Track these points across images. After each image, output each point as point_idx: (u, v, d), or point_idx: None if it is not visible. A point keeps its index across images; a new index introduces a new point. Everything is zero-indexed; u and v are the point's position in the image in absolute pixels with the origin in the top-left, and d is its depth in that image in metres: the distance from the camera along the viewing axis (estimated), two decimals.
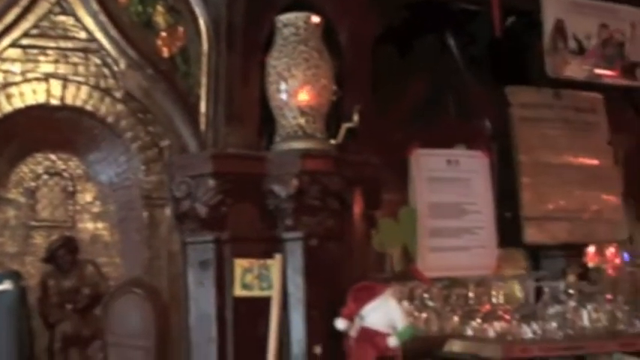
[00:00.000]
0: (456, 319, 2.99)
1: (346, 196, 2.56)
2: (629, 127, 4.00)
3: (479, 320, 2.87)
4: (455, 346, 2.79)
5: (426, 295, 3.06)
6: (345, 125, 2.64)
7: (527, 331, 2.77)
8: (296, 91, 2.53)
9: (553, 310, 2.83)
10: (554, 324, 2.81)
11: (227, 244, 2.48)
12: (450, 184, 3.23)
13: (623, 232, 3.59)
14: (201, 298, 2.49)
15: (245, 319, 2.48)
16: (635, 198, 3.81)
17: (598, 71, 3.62)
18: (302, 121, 2.53)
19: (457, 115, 3.48)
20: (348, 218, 2.63)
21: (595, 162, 3.65)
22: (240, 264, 2.48)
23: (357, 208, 2.69)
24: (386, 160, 2.94)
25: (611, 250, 3.45)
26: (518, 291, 3.03)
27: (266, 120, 2.62)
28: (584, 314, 2.89)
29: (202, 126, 2.59)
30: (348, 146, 2.68)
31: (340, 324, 2.43)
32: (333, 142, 2.63)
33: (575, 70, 3.53)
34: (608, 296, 2.98)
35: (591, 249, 3.34)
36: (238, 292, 2.48)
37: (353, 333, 2.44)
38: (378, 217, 2.92)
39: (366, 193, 2.72)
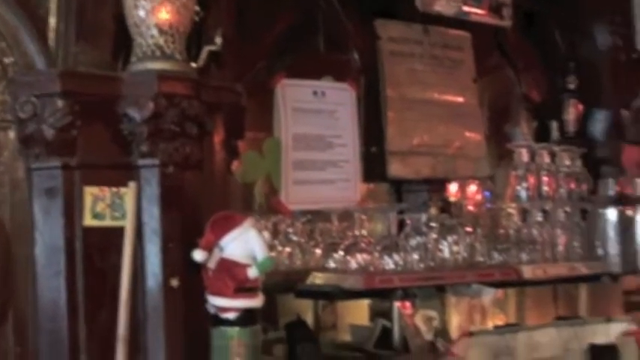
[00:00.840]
0: (319, 252, 2.97)
1: (206, 122, 2.44)
2: (496, 69, 4.06)
3: (341, 253, 2.84)
4: (317, 279, 2.76)
5: (289, 230, 3.01)
6: (207, 48, 2.51)
7: (389, 263, 2.78)
8: (155, 8, 2.36)
9: (415, 241, 2.84)
10: (415, 255, 2.83)
11: (76, 171, 2.31)
12: (316, 115, 3.18)
13: (485, 169, 3.65)
14: (48, 229, 2.32)
15: (96, 251, 2.33)
16: (497, 139, 3.89)
17: (466, 8, 3.64)
18: (161, 40, 2.37)
19: (325, 47, 3.40)
20: (208, 146, 2.51)
21: (460, 99, 3.68)
22: (90, 192, 2.33)
23: (218, 137, 2.57)
24: (250, 89, 2.84)
25: (472, 187, 3.49)
26: (381, 223, 3.02)
27: (122, 38, 2.44)
28: (445, 246, 2.92)
29: (51, 42, 2.38)
30: (209, 71, 2.55)
31: (198, 255, 2.33)
32: (193, 65, 2.49)
33: (444, 5, 3.53)
34: (468, 229, 3.01)
35: (453, 185, 3.36)
36: (88, 221, 2.33)
37: (211, 264, 2.34)
38: (241, 147, 2.83)
39: (228, 121, 2.61)
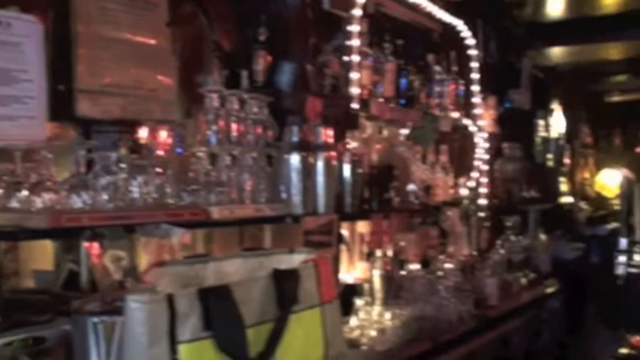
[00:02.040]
0: (0, 192, 2.80)
1: None
2: (189, 16, 4.06)
3: (25, 192, 2.71)
4: None
5: None
6: None
7: (78, 202, 2.70)
8: None
9: (104, 181, 2.79)
10: (104, 195, 2.78)
11: None
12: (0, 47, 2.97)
13: (175, 113, 3.68)
14: None
15: None
16: (189, 85, 3.91)
17: None
18: None
19: None
20: None
21: (153, 42, 3.65)
22: None
23: None
24: None
25: (162, 130, 3.48)
26: (69, 162, 2.92)
27: None
28: (135, 186, 2.90)
29: None
30: None
31: None
32: None
33: None
34: (159, 170, 3.01)
35: (144, 127, 3.33)
36: None
37: None
38: None
39: None
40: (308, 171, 3.70)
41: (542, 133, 8.19)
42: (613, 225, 8.68)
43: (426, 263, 5.09)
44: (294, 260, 2.24)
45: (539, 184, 7.46)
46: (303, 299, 2.08)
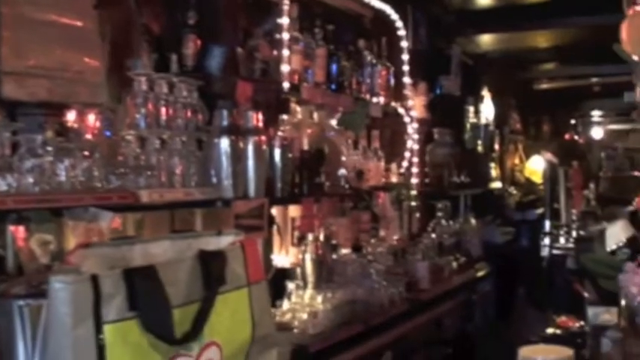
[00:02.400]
0: None
1: None
2: (117, 1, 4.01)
3: None
4: None
5: None
6: None
7: (2, 184, 2.67)
8: None
9: (30, 163, 2.75)
10: (30, 178, 2.74)
11: None
12: None
13: (103, 96, 3.63)
14: None
15: None
16: (118, 68, 3.86)
17: None
18: None
19: None
20: None
21: (79, 23, 3.59)
22: None
23: None
24: None
25: (90, 114, 3.44)
26: None
27: None
28: (62, 170, 2.87)
29: None
30: None
31: None
32: None
33: None
34: (86, 153, 2.98)
35: (72, 110, 3.29)
36: None
37: None
38: None
39: None
40: (238, 155, 3.70)
41: (472, 119, 8.32)
42: (542, 210, 8.88)
43: (357, 247, 5.14)
44: (222, 242, 2.24)
45: (470, 170, 7.58)
46: (229, 280, 2.08)
